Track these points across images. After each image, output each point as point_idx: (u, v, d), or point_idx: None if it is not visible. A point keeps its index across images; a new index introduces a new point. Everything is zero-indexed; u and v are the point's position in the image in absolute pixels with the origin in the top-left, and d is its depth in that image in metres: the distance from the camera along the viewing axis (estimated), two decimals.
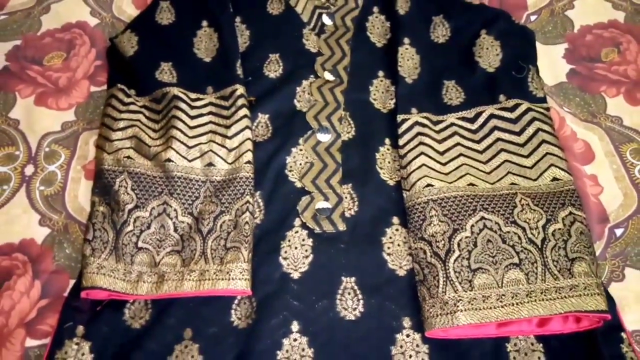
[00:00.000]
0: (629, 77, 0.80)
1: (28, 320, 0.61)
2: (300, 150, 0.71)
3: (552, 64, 0.82)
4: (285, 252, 0.64)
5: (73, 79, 0.82)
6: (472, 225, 0.60)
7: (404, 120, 0.70)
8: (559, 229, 0.60)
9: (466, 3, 0.84)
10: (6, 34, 0.88)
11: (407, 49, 0.77)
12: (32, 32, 0.88)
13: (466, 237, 0.60)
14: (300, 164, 0.70)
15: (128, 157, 0.67)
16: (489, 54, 0.77)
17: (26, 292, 0.63)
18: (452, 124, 0.71)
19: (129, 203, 0.63)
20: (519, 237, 0.60)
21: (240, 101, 0.72)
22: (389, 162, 0.70)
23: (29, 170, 0.73)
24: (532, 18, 0.89)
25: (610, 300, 0.59)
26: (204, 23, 0.81)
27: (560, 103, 0.77)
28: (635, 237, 0.66)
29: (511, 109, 0.70)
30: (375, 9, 0.85)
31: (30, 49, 0.86)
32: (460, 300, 0.56)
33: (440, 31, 0.81)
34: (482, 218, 0.61)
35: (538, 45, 0.84)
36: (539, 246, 0.59)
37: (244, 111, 0.71)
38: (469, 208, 0.62)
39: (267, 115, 0.74)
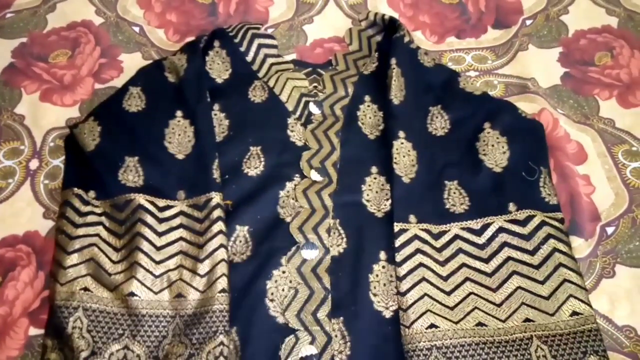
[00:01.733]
0: (622, 81, 0.82)
1: (32, 309, 0.62)
2: (283, 272, 0.62)
3: (546, 67, 0.84)
4: None
5: (78, 76, 0.84)
6: None
7: (401, 231, 0.63)
8: None
9: (466, 92, 0.76)
10: (13, 32, 0.89)
11: (402, 143, 0.69)
12: (38, 30, 0.90)
13: None
14: (284, 290, 0.61)
15: (85, 288, 0.58)
16: (494, 151, 0.70)
17: (30, 282, 0.64)
18: (456, 237, 0.63)
19: (83, 350, 0.55)
20: None
21: (216, 213, 0.63)
22: (384, 285, 0.61)
23: (34, 164, 0.74)
24: (528, 22, 0.91)
25: None
26: (178, 113, 0.72)
27: (554, 105, 0.79)
28: (626, 235, 0.67)
29: (523, 222, 0.64)
30: (367, 98, 0.77)
31: (36, 47, 0.87)
32: None
33: (439, 123, 0.73)
34: None
35: (533, 49, 0.87)
36: None
37: (220, 226, 0.63)
38: (480, 358, 0.56)
39: (246, 228, 0.65)
